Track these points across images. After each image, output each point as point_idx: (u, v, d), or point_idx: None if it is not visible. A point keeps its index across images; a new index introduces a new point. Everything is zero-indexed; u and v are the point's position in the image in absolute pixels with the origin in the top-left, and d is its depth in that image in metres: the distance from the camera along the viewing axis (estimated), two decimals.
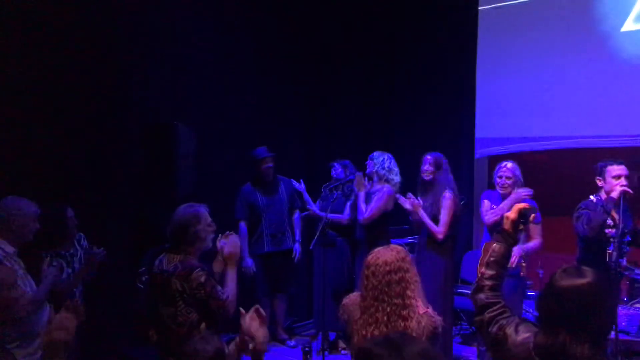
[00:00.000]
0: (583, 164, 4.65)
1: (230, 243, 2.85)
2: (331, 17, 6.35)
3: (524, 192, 4.08)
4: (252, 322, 2.15)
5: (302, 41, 6.12)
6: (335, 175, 5.20)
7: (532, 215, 1.99)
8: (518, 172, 4.22)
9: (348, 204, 5.05)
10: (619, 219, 3.50)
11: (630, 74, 5.05)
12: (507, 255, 1.94)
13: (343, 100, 6.42)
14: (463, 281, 5.41)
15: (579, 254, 3.96)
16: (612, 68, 5.17)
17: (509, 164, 4.27)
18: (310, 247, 4.86)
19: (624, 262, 3.61)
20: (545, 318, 1.64)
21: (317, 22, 6.28)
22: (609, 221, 3.69)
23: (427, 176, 4.46)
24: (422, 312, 2.19)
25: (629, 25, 5.14)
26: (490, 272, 1.91)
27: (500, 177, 4.24)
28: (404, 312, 2.14)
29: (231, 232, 2.92)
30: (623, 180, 3.74)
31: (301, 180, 5.32)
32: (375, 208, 4.59)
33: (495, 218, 4.06)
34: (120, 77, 4.52)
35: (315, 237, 4.57)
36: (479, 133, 6.03)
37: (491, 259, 1.93)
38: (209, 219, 2.86)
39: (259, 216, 5.11)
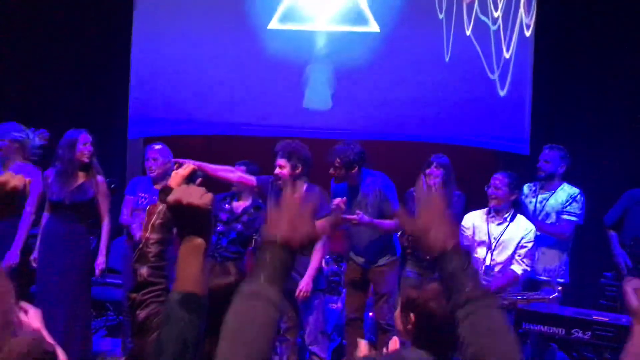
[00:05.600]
0: (237, 151, 4.89)
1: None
2: None
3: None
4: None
5: None
6: None
7: (199, 180, 1.95)
8: (168, 154, 4.14)
9: None
10: None
11: (274, 68, 5.52)
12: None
13: None
14: (111, 270, 5.07)
15: None
16: (259, 62, 5.56)
17: (157, 146, 4.19)
18: None
19: None
20: None
21: None
22: None
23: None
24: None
25: (274, 24, 5.61)
26: (155, 237, 1.67)
27: (148, 159, 4.14)
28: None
29: None
30: None
31: None
32: None
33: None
34: None
35: None
36: (134, 112, 5.77)
37: (158, 221, 1.68)
38: None
39: None
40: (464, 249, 1.10)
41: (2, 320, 1.82)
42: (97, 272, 3.95)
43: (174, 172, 1.90)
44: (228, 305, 1.09)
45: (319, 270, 3.75)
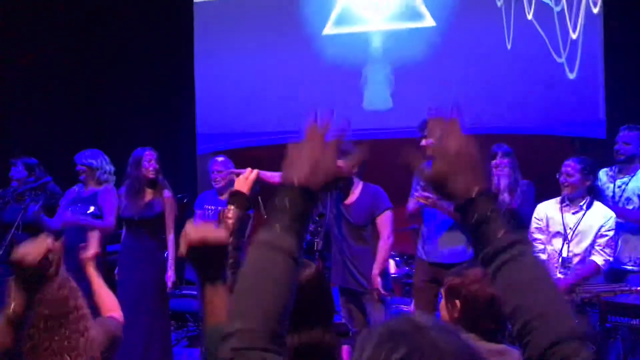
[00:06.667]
0: None
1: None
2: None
3: None
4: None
5: None
6: (16, 176, 4.32)
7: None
8: (230, 166, 4.22)
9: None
10: None
11: (331, 73, 5.53)
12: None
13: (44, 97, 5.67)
14: (188, 282, 5.24)
15: None
16: (316, 68, 5.60)
17: (220, 158, 4.28)
18: None
19: None
20: None
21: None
22: None
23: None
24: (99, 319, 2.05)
25: (329, 30, 5.64)
26: (234, 242, 1.68)
27: (213, 172, 4.23)
28: (75, 334, 1.89)
29: None
30: None
31: None
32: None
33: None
34: None
35: None
36: (201, 129, 5.98)
37: (236, 226, 1.70)
38: None
39: None
40: (492, 194, 0.95)
41: (77, 314, 1.97)
42: (168, 285, 4.05)
43: (239, 178, 1.90)
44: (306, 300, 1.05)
45: (385, 270, 3.67)
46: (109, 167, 4.19)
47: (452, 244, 3.67)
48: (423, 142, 3.39)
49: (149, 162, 4.04)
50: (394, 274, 4.68)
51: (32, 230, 4.00)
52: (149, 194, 4.06)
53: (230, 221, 1.70)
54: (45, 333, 1.89)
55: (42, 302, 1.91)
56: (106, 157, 4.22)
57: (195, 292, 4.80)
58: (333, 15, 5.61)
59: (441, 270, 3.66)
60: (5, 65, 5.42)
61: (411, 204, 3.73)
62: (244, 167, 4.13)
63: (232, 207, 1.76)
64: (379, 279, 3.53)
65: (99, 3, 5.96)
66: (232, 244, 1.63)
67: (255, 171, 1.95)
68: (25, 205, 3.99)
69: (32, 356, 1.87)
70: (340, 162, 1.00)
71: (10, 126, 5.53)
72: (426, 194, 3.43)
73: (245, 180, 1.89)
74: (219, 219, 1.80)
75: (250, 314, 0.87)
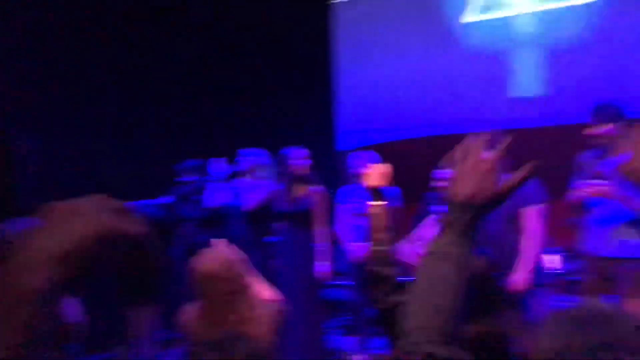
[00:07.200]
0: (440, 151, 4.84)
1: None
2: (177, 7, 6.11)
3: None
4: None
5: (133, 38, 5.80)
6: (189, 179, 4.80)
7: None
8: (372, 161, 4.26)
9: None
10: None
11: (473, 62, 5.38)
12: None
13: (200, 100, 6.21)
14: (339, 273, 5.43)
15: None
16: (458, 58, 5.48)
17: (362, 153, 4.34)
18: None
19: None
20: None
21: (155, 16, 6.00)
22: None
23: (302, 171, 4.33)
24: (263, 299, 2.25)
25: (471, 17, 5.49)
26: (387, 237, 1.68)
27: (355, 167, 4.29)
28: (248, 309, 2.13)
29: None
30: None
31: None
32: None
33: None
34: None
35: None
36: (344, 125, 6.14)
37: (387, 222, 1.71)
38: None
39: None
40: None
41: (247, 292, 2.20)
42: (320, 275, 4.22)
43: (372, 171, 1.91)
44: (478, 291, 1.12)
45: (537, 263, 3.47)
46: (268, 165, 4.52)
47: (627, 237, 3.37)
48: (594, 129, 3.17)
49: (299, 159, 4.29)
50: (559, 269, 4.44)
51: (208, 223, 4.56)
52: (300, 189, 4.29)
53: (379, 217, 1.72)
54: (221, 308, 2.15)
55: (218, 279, 2.18)
56: (267, 155, 4.56)
57: (346, 283, 4.98)
58: (476, 2, 5.45)
59: (611, 264, 3.41)
60: (168, 71, 6.01)
61: (576, 194, 3.41)
62: (386, 162, 4.21)
63: (377, 202, 1.78)
64: (523, 276, 3.33)
65: (240, 4, 6.30)
66: (385, 239, 1.66)
67: (388, 165, 1.94)
68: (197, 202, 4.49)
69: (210, 329, 2.13)
70: (506, 177, 1.03)
71: (177, 129, 6.13)
72: (601, 183, 3.16)
73: (381, 174, 1.88)
74: (367, 214, 1.79)
75: (424, 314, 0.98)
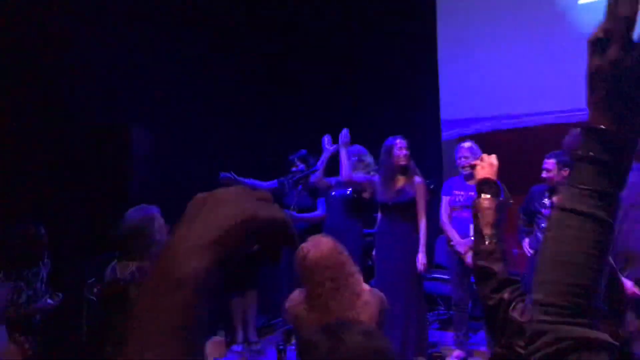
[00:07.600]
0: (546, 141, 4.61)
1: None
2: (287, 5, 6.25)
3: None
4: None
5: (254, 37, 5.99)
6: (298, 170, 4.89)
7: None
8: (478, 152, 4.16)
9: (321, 200, 4.82)
10: None
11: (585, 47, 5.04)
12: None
13: (303, 92, 6.32)
14: (438, 266, 5.35)
15: None
16: (570, 42, 5.16)
17: (467, 144, 4.24)
18: None
19: None
20: None
21: (270, 15, 6.16)
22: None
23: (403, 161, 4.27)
24: (366, 289, 2.29)
25: None
26: (493, 232, 1.59)
27: (460, 158, 4.20)
28: (353, 296, 2.16)
29: None
30: None
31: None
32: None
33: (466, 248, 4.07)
34: (64, 77, 4.32)
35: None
36: (445, 114, 6.01)
37: (496, 216, 1.61)
38: (162, 221, 2.72)
39: None
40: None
41: (353, 278, 2.22)
42: (419, 267, 4.17)
43: (480, 163, 1.82)
44: None
45: None
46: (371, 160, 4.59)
47: None
48: None
49: (399, 150, 4.24)
50: None
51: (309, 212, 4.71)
52: (400, 181, 4.26)
53: (488, 211, 1.63)
54: (329, 293, 2.19)
55: (325, 267, 2.22)
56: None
57: (446, 277, 4.89)
58: None
59: None
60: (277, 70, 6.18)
61: None
62: (490, 152, 4.06)
63: (486, 195, 1.68)
64: None
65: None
66: (493, 234, 1.58)
67: (494, 156, 1.85)
68: (298, 192, 4.59)
69: (315, 316, 2.18)
70: None
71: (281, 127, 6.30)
72: None
73: (489, 166, 1.80)
74: (474, 208, 1.70)
75: (552, 287, 0.79)
